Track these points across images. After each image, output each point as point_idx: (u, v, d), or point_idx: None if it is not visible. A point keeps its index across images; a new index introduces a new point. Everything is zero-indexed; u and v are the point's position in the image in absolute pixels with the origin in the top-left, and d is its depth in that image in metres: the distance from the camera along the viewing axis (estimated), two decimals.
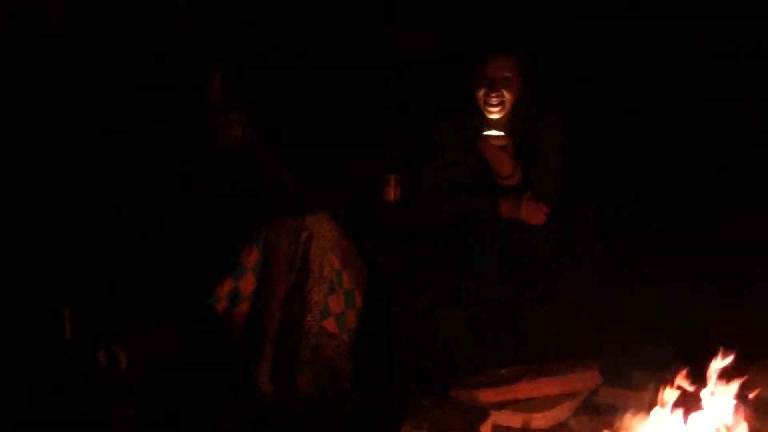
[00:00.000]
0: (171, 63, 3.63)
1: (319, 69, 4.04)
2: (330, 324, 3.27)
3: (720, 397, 2.53)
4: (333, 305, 3.29)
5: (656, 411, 2.51)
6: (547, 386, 2.89)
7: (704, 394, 2.55)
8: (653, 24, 4.07)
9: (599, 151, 3.90)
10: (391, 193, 3.65)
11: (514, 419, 2.80)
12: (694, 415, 2.51)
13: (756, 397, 2.60)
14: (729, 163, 3.98)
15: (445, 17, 4.11)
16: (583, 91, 4.03)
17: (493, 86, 3.49)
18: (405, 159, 3.73)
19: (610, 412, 2.74)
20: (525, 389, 2.88)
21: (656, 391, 2.56)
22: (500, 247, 3.49)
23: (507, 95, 3.50)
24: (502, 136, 3.51)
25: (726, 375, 2.57)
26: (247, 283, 3.25)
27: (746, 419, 2.52)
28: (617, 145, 4.02)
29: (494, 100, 3.50)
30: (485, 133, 3.52)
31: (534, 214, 3.45)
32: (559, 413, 2.84)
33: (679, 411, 2.51)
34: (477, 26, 4.00)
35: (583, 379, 2.94)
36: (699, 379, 2.59)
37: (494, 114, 3.51)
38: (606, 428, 2.61)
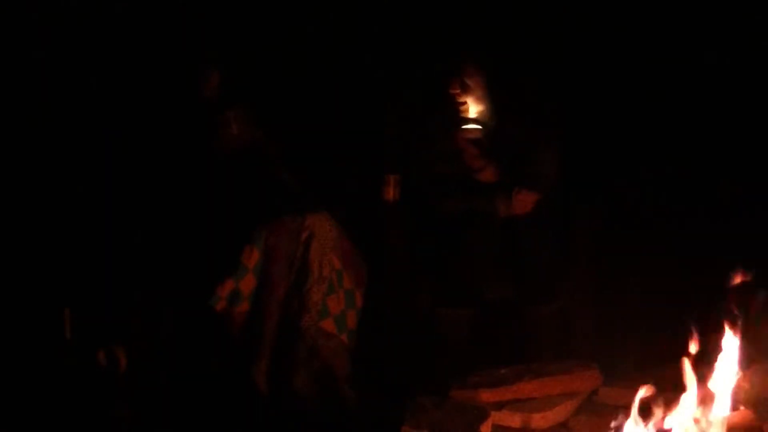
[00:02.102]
0: (169, 61, 3.62)
1: (318, 68, 4.04)
2: (328, 324, 3.27)
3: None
4: (332, 305, 3.28)
5: None
6: (547, 386, 2.89)
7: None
8: (652, 25, 4.07)
9: (599, 151, 3.90)
10: (391, 193, 3.66)
11: (514, 419, 2.79)
12: None
13: (756, 397, 2.60)
14: (729, 162, 3.98)
15: (442, 18, 4.11)
16: (582, 91, 4.03)
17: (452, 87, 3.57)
18: (404, 159, 3.74)
19: (610, 412, 2.74)
20: (525, 389, 2.87)
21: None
22: (500, 246, 3.50)
23: (466, 98, 3.56)
24: (477, 129, 3.57)
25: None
26: (248, 283, 3.25)
27: None
28: (617, 145, 4.02)
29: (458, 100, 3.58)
30: (463, 126, 3.57)
31: (523, 204, 3.47)
32: (559, 413, 2.84)
33: None
34: (477, 29, 4.01)
35: (583, 379, 2.94)
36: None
37: (463, 114, 3.58)
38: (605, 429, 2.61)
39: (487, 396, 2.85)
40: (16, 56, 3.70)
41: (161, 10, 3.79)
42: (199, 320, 3.24)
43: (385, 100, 4.07)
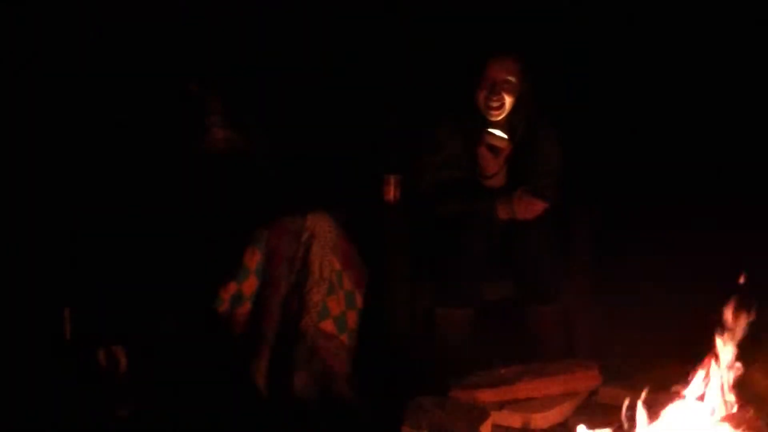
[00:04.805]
0: (159, 67, 3.62)
1: (319, 69, 4.04)
2: (328, 325, 3.27)
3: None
4: (332, 306, 3.28)
5: None
6: (547, 386, 2.89)
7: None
8: (653, 24, 4.07)
9: (599, 150, 3.90)
10: (391, 193, 3.66)
11: (514, 419, 2.80)
12: None
13: (755, 395, 2.60)
14: (729, 162, 3.98)
15: (446, 18, 4.11)
16: (582, 90, 4.03)
17: (494, 89, 3.51)
18: (404, 159, 3.74)
19: (610, 412, 2.74)
20: (525, 389, 2.88)
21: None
22: (500, 246, 3.49)
23: (507, 98, 3.53)
24: (505, 138, 3.54)
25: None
26: (249, 285, 3.25)
27: None
28: (617, 144, 4.02)
29: (495, 103, 3.52)
30: (489, 130, 3.54)
31: (527, 209, 3.45)
32: (559, 413, 2.84)
33: None
34: (478, 28, 4.00)
35: (583, 379, 2.94)
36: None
37: (495, 117, 3.54)
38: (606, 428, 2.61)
39: (487, 396, 2.85)
40: (15, 62, 3.70)
41: (159, 10, 3.79)
42: (199, 320, 3.24)
43: (385, 100, 4.07)
